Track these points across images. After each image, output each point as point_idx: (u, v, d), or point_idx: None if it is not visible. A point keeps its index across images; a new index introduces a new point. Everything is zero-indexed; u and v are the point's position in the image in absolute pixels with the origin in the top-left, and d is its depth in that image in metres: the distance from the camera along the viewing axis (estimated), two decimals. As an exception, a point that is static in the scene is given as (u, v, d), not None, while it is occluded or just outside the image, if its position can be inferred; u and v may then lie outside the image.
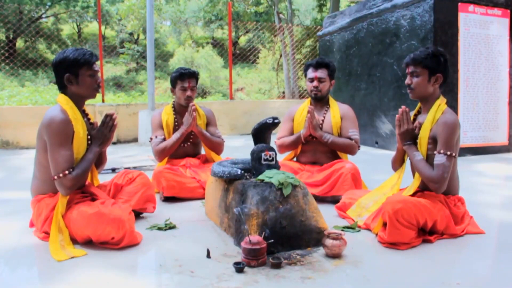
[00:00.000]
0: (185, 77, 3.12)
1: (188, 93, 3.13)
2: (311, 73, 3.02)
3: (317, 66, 3.01)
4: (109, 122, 2.15)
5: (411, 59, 2.16)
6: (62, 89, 2.08)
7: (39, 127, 2.01)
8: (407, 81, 2.19)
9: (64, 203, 1.99)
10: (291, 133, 3.11)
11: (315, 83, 2.99)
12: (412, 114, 2.32)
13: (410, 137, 2.16)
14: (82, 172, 2.03)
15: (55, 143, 1.95)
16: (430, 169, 2.04)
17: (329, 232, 1.86)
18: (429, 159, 2.10)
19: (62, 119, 1.97)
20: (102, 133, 2.14)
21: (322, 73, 3.00)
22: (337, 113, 3.02)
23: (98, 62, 2.13)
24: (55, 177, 1.96)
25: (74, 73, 2.03)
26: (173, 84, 3.18)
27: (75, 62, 2.00)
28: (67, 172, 1.95)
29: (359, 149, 2.99)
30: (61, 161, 1.95)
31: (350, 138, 2.94)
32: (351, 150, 2.95)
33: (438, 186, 2.02)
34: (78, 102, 2.10)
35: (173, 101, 3.28)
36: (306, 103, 3.15)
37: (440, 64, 2.12)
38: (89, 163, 2.07)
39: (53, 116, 1.97)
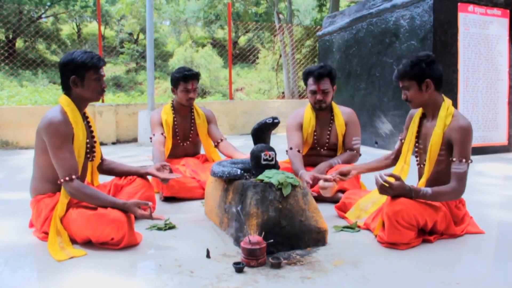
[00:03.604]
0: (189, 79, 3.10)
1: (191, 95, 3.12)
2: (312, 85, 2.89)
3: (319, 77, 2.86)
4: (145, 214, 2.01)
5: (395, 76, 2.18)
6: (66, 90, 2.07)
7: (38, 127, 2.01)
8: (402, 96, 2.18)
9: (63, 206, 1.98)
10: (303, 141, 2.99)
11: (319, 96, 2.88)
12: (416, 117, 2.27)
13: (402, 189, 1.94)
14: (88, 197, 1.98)
15: (56, 145, 1.94)
16: (448, 188, 1.98)
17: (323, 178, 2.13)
18: (441, 164, 2.08)
19: (61, 120, 1.97)
20: (134, 211, 1.99)
21: (325, 84, 2.88)
22: (341, 121, 2.98)
23: (104, 67, 2.13)
24: (61, 180, 1.96)
25: (80, 76, 2.02)
26: (175, 84, 3.16)
27: (82, 65, 2.00)
28: (67, 178, 1.94)
29: (360, 155, 3.02)
30: (62, 165, 1.95)
31: (352, 149, 2.94)
32: (354, 160, 2.97)
33: (461, 194, 2.01)
34: (81, 104, 2.10)
35: (172, 100, 3.27)
36: (309, 111, 3.01)
37: (423, 70, 2.07)
38: (100, 199, 1.98)
39: (52, 117, 1.97)
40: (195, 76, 3.14)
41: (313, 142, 3.03)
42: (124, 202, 1.98)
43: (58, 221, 1.95)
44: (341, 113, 3.01)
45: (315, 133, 3.02)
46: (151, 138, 3.14)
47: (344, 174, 2.49)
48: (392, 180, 1.96)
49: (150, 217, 2.01)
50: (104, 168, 2.43)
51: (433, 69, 2.09)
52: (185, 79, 3.09)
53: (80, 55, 2.01)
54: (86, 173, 2.23)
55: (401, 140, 2.41)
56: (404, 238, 1.91)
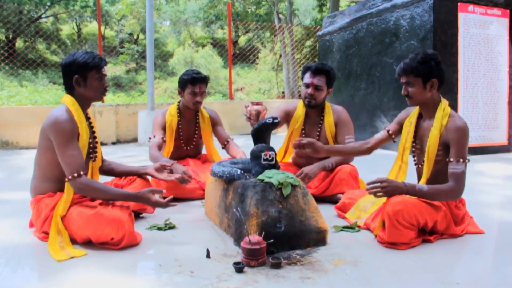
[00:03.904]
0: (196, 82, 3.01)
1: (198, 98, 3.05)
2: (307, 78, 2.80)
3: (316, 72, 2.78)
4: (161, 202, 2.08)
5: (402, 69, 2.09)
6: (69, 90, 2.10)
7: (43, 126, 2.01)
8: (403, 91, 2.13)
9: (66, 205, 1.98)
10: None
11: (310, 90, 2.79)
12: (412, 117, 2.24)
13: (395, 183, 2.00)
14: (99, 191, 2.00)
15: (62, 143, 1.96)
16: (445, 187, 1.98)
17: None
18: (439, 164, 2.06)
19: (67, 118, 1.99)
20: (149, 198, 2.05)
21: (319, 80, 2.78)
22: (331, 120, 2.88)
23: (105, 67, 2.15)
24: (69, 177, 1.96)
25: (83, 76, 2.05)
26: (183, 86, 3.07)
27: (84, 65, 2.03)
28: (75, 174, 1.95)
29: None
30: (69, 162, 1.96)
31: None
32: (348, 161, 2.86)
33: (460, 194, 1.99)
34: (84, 104, 2.12)
35: (179, 102, 3.19)
36: (301, 107, 2.95)
37: (432, 68, 2.04)
38: (111, 193, 2.02)
39: (58, 115, 1.99)
40: (204, 80, 3.06)
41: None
42: (137, 192, 2.03)
43: (59, 220, 1.96)
44: (332, 114, 2.91)
45: (303, 132, 2.95)
46: (150, 138, 3.07)
47: (315, 148, 2.30)
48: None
49: (165, 204, 2.05)
50: (104, 169, 2.44)
51: (440, 69, 2.06)
52: (193, 81, 3.01)
53: (81, 55, 2.04)
54: (87, 174, 2.23)
55: (388, 131, 2.37)
56: (404, 238, 1.91)
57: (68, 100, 2.06)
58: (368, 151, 2.43)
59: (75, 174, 1.95)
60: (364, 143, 2.44)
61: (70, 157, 1.96)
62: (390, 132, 2.37)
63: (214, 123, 3.25)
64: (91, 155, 2.17)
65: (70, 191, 2.00)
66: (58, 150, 1.97)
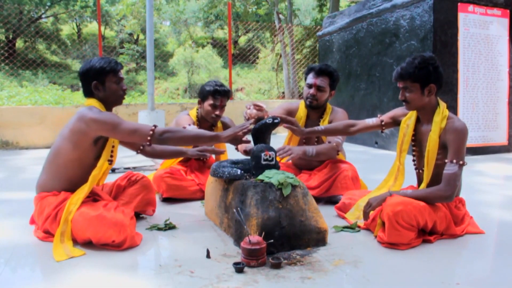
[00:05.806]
0: (218, 95, 2.90)
1: (218, 112, 2.94)
2: (311, 79, 2.79)
3: (319, 72, 2.77)
4: (240, 130, 2.14)
5: (399, 74, 2.06)
6: (89, 95, 2.15)
7: (77, 124, 2.02)
8: (400, 96, 2.10)
9: (84, 197, 1.99)
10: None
11: (312, 90, 2.77)
12: (409, 119, 2.23)
13: (377, 197, 2.09)
14: (177, 132, 2.08)
15: (116, 123, 2.00)
16: (432, 188, 1.98)
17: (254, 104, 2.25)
18: (439, 167, 2.05)
19: (101, 110, 2.07)
20: (235, 135, 2.12)
21: (322, 81, 2.77)
22: (326, 122, 2.85)
23: (122, 70, 2.20)
24: (149, 138, 2.01)
25: (101, 81, 2.10)
26: (203, 97, 2.96)
27: (101, 70, 2.09)
28: (153, 128, 2.01)
29: (338, 154, 2.83)
30: (135, 128, 2.02)
31: (330, 142, 2.76)
32: (332, 154, 2.77)
33: (451, 197, 1.96)
34: (106, 109, 2.16)
35: (198, 109, 3.07)
36: (302, 108, 2.94)
37: (430, 73, 2.01)
38: (191, 134, 2.13)
39: (95, 110, 2.03)
40: (226, 93, 2.94)
41: (301, 142, 2.94)
42: (220, 132, 2.15)
43: (73, 210, 1.95)
44: (330, 113, 2.89)
45: None
46: (184, 128, 2.83)
47: (290, 122, 2.38)
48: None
49: (242, 140, 2.13)
50: (158, 151, 2.56)
51: (438, 74, 2.03)
52: (215, 94, 2.89)
53: (98, 61, 2.10)
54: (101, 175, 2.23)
55: (381, 121, 2.36)
56: (404, 239, 1.90)
57: (94, 102, 2.11)
58: (353, 133, 2.46)
59: (153, 127, 2.01)
60: (350, 125, 2.45)
61: (131, 125, 2.03)
62: (383, 123, 2.37)
63: (226, 128, 3.14)
64: (110, 158, 2.19)
65: (92, 183, 2.04)
66: (116, 133, 2.01)
